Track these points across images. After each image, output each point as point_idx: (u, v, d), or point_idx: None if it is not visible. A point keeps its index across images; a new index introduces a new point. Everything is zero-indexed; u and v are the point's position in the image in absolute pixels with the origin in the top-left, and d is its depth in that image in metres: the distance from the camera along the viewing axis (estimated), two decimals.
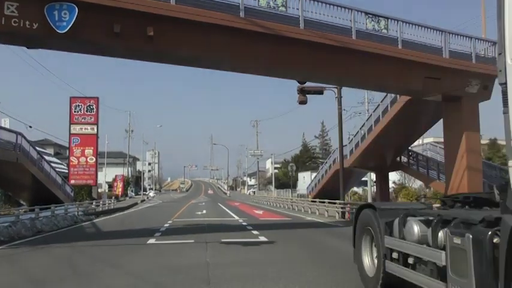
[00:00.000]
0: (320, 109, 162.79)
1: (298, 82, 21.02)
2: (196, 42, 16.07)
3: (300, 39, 17.11)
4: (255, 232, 17.06)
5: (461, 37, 20.94)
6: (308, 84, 24.51)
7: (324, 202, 28.50)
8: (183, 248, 12.87)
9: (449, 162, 22.09)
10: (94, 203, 34.81)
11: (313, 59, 17.91)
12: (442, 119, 26.55)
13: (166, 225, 21.06)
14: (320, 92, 25.74)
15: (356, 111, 46.93)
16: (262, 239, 14.86)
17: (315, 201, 31.58)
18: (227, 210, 36.29)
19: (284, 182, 75.39)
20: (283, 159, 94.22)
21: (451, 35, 20.57)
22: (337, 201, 25.94)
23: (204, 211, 34.10)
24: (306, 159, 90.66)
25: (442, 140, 37.79)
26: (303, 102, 24.98)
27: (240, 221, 23.65)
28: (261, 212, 32.99)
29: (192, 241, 14.37)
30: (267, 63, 17.81)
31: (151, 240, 14.73)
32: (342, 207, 25.18)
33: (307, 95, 24.42)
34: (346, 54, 18.18)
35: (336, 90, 26.50)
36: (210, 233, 17.12)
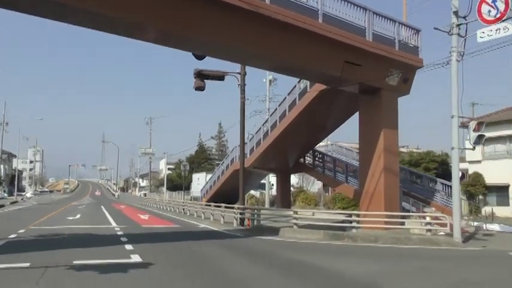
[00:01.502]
0: (219, 109, 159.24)
1: (195, 57, 16.93)
2: None
3: None
4: (128, 247, 12.59)
5: (386, 20, 18.34)
6: (207, 67, 20.79)
7: (220, 206, 24.62)
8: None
9: (364, 162, 19.42)
10: None
11: (217, 23, 13.94)
12: (349, 118, 24.33)
13: (13, 236, 15.70)
14: (221, 77, 21.88)
15: (257, 110, 44.33)
16: (135, 259, 10.48)
17: (209, 205, 27.59)
18: (107, 214, 30.85)
19: (178, 184, 70.53)
20: (178, 160, 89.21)
21: (375, 15, 17.83)
22: (235, 205, 22.17)
23: (78, 216, 28.39)
24: (201, 160, 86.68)
25: (345, 144, 36.39)
26: (200, 87, 21.00)
27: (117, 229, 18.84)
28: (146, 217, 28.19)
29: (27, 265, 9.57)
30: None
31: None
32: (241, 213, 21.47)
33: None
34: (257, 23, 14.49)
35: (238, 76, 22.79)
36: (66, 249, 12.36)
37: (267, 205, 44.41)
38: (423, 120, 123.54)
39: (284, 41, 15.60)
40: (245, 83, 22.86)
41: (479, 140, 15.12)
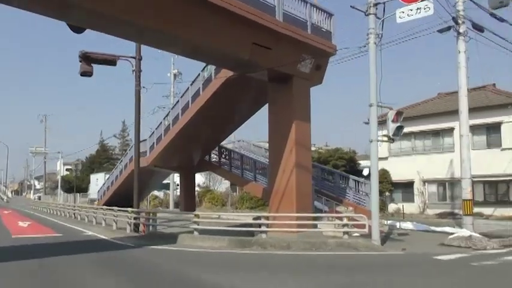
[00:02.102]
0: (124, 105, 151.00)
1: (72, 29, 13.82)
2: None
3: None
4: None
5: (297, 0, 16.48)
6: (97, 49, 17.77)
7: (112, 209, 21.46)
8: None
9: (274, 157, 17.49)
10: None
11: None
12: (258, 110, 22.39)
13: None
14: (111, 61, 18.77)
15: (160, 105, 41.51)
16: None
17: (101, 208, 24.24)
18: None
19: (77, 185, 64.79)
20: (76, 160, 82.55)
21: None
22: (129, 209, 19.21)
23: None
24: (103, 159, 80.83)
25: (255, 142, 34.47)
26: (86, 73, 17.80)
27: None
28: (26, 225, 24.13)
29: None
30: None
31: None
32: (135, 217, 18.58)
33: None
34: None
35: (133, 61, 19.86)
36: None
37: (171, 207, 41.53)
38: (334, 117, 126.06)
39: (188, 16, 13.14)
40: (141, 69, 19.97)
41: (399, 131, 13.77)
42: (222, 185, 48.20)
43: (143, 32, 13.71)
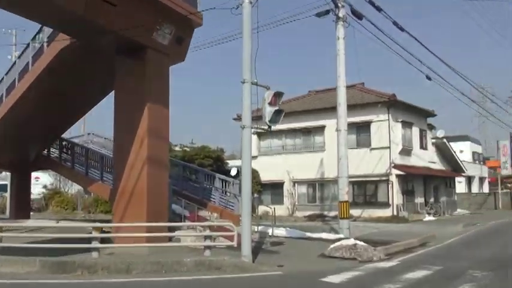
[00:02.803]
0: None
1: None
2: None
3: None
4: None
5: None
6: None
7: None
8: None
9: (120, 149, 13.70)
10: None
11: None
12: (110, 92, 18.23)
13: None
14: None
15: None
16: None
17: None
18: None
19: None
20: None
21: None
22: None
23: None
24: None
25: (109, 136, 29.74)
26: None
27: None
28: None
29: None
30: None
31: None
32: None
33: None
34: None
35: None
36: None
37: (7, 212, 34.96)
38: (203, 112, 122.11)
39: None
40: None
41: (277, 117, 10.96)
42: (76, 186, 42.44)
43: None
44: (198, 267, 9.58)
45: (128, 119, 13.43)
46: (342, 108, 17.08)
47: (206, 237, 10.77)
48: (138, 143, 13.16)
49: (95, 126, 65.10)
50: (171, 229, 12.85)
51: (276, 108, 10.82)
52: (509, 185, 45.61)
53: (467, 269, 9.29)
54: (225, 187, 18.10)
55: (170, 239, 12.74)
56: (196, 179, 19.16)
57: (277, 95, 10.92)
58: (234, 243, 10.59)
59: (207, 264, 9.68)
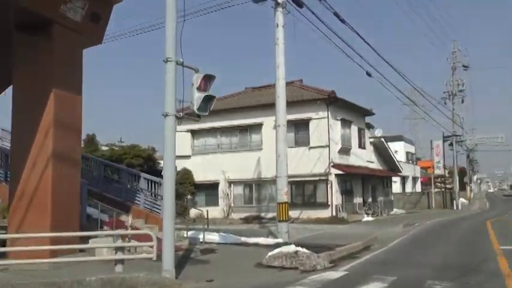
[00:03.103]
0: None
1: None
2: None
3: None
4: None
5: None
6: None
7: None
8: None
9: (20, 143, 11.43)
10: None
11: None
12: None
13: None
14: None
15: None
16: None
17: None
18: None
19: None
20: None
21: None
22: None
23: None
24: None
25: None
26: None
27: None
28: None
29: None
30: None
31: None
32: None
33: None
34: None
35: None
36: None
37: None
38: (134, 108, 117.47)
39: None
40: None
41: (207, 104, 9.27)
42: None
43: None
44: (105, 287, 7.68)
45: (30, 108, 11.21)
46: (281, 101, 15.71)
47: (118, 249, 8.82)
48: (41, 136, 10.98)
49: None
50: (85, 238, 10.80)
51: (206, 94, 9.14)
52: (438, 185, 46.56)
53: (425, 279, 8.07)
54: (152, 188, 16.11)
55: (82, 251, 10.71)
56: (119, 179, 17.04)
57: (208, 78, 9.23)
58: (153, 256, 8.75)
59: (117, 283, 7.78)
